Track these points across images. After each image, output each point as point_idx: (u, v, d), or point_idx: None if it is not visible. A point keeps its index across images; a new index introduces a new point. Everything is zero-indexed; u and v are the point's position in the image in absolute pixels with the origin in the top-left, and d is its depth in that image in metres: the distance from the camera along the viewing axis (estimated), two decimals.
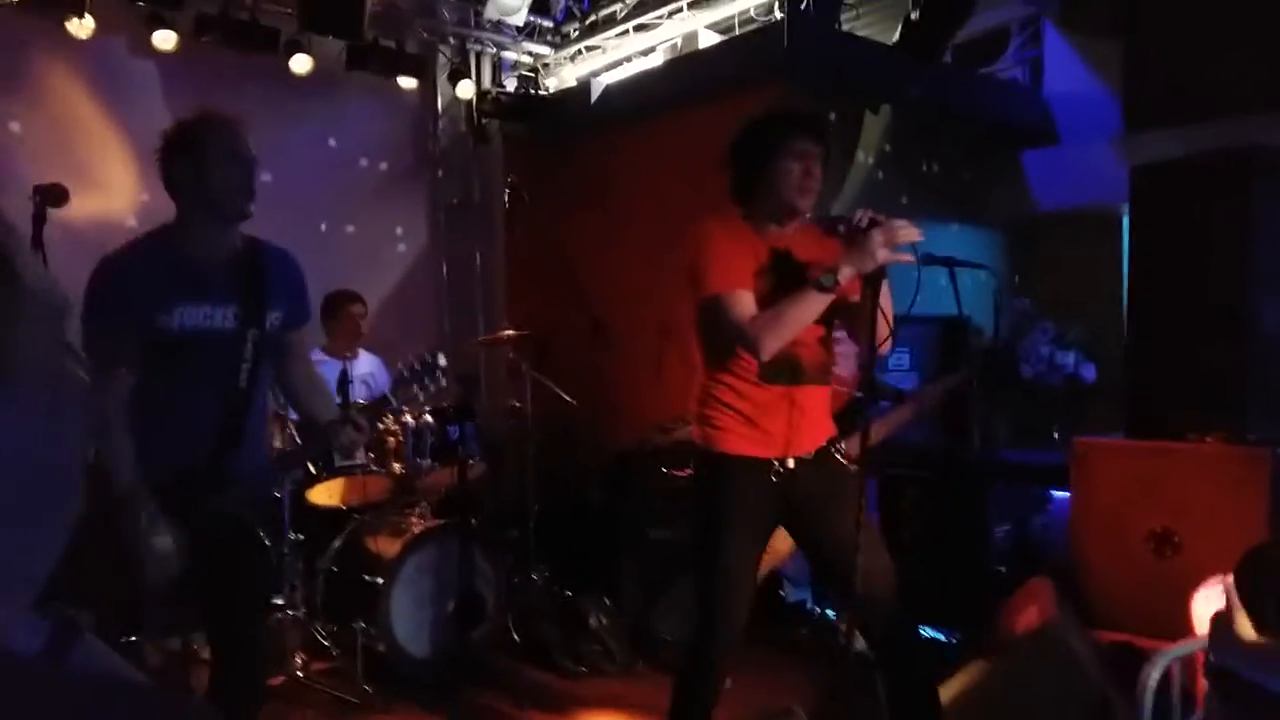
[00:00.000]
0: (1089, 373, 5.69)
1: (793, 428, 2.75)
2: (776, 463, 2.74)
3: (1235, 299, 3.48)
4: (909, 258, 2.54)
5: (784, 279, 2.70)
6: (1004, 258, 6.34)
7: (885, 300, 2.65)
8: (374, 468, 4.59)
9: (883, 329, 2.66)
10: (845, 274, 2.55)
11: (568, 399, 4.99)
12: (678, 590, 4.42)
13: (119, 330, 2.42)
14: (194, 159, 2.47)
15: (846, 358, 4.13)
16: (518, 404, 5.06)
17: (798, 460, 2.76)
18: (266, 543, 2.81)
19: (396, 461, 4.55)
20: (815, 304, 2.59)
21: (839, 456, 2.86)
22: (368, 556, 4.26)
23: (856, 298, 2.70)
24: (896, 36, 5.34)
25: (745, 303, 2.64)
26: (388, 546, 4.24)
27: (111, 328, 2.41)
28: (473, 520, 4.40)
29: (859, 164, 5.84)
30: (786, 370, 2.73)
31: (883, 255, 2.52)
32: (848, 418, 3.94)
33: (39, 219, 2.68)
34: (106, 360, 2.40)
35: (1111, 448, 3.75)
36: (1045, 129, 6.40)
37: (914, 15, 5.08)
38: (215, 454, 2.51)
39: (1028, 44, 6.88)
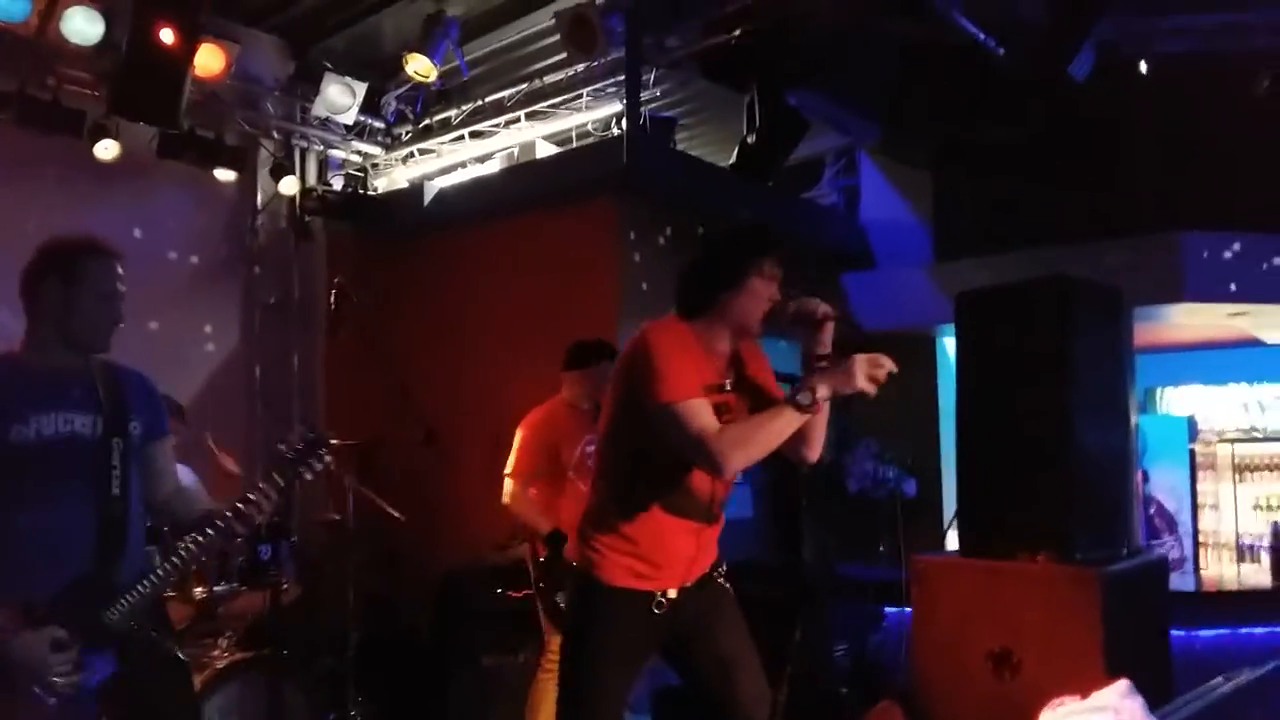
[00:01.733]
0: (910, 488, 5.90)
1: (690, 562, 2.64)
2: (659, 594, 2.60)
3: (1057, 423, 3.64)
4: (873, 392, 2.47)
5: (734, 394, 2.64)
6: None
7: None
8: (169, 591, 4.11)
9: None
10: (822, 393, 2.45)
11: (394, 514, 4.68)
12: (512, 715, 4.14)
13: None
14: (66, 288, 2.42)
15: None
16: (337, 517, 4.70)
17: (681, 590, 2.63)
18: (181, 657, 2.63)
19: (198, 585, 4.09)
20: (792, 423, 2.45)
21: (720, 579, 2.78)
22: None
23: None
24: (732, 159, 5.51)
25: (705, 414, 2.45)
26: None
27: None
28: (284, 651, 4.00)
29: None
30: (703, 508, 2.63)
31: (863, 385, 2.45)
32: None
33: None
34: None
35: (948, 565, 3.83)
36: (862, 253, 6.74)
37: (750, 139, 5.26)
38: (100, 564, 2.38)
39: (842, 172, 7.28)
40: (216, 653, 3.99)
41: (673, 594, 2.61)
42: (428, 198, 6.27)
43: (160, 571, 2.42)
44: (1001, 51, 4.90)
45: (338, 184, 6.66)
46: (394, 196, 6.65)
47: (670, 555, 2.60)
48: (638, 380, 2.51)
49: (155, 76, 5.03)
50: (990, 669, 3.52)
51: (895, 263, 6.51)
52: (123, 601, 2.36)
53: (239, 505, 2.45)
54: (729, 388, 2.66)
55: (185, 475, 4.51)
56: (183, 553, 2.44)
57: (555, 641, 3.66)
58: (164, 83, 5.07)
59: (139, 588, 2.38)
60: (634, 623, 2.60)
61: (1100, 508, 3.66)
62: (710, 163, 6.19)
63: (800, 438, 2.62)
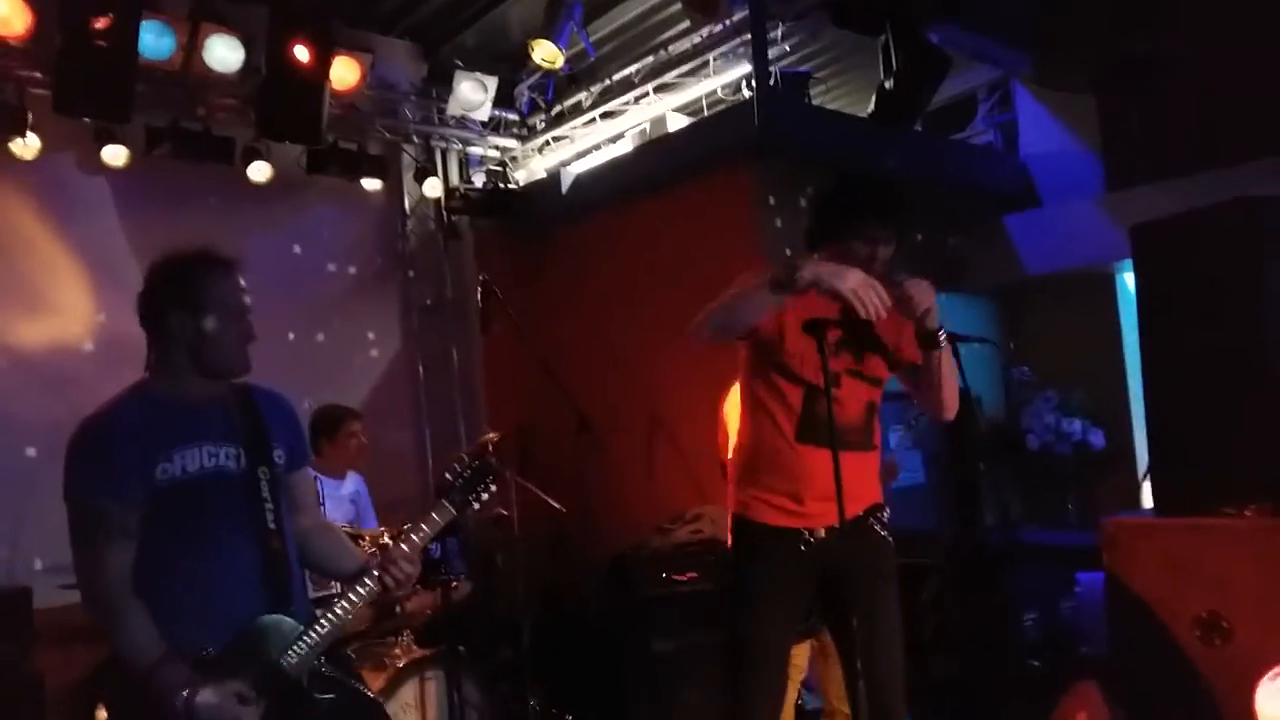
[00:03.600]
0: (1097, 439, 5.47)
1: (827, 497, 2.56)
2: (806, 533, 2.69)
3: (1258, 359, 3.27)
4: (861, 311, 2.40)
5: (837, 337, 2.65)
6: (996, 325, 6.16)
7: (948, 366, 2.62)
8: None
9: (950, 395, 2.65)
10: (805, 275, 2.42)
11: (555, 505, 4.69)
12: (689, 706, 4.09)
13: (110, 497, 2.14)
14: (189, 312, 2.23)
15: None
16: (504, 513, 4.75)
17: (829, 529, 2.67)
18: (371, 696, 2.51)
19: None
20: (766, 298, 2.51)
21: (878, 528, 2.77)
22: None
23: (915, 359, 2.67)
24: (871, 108, 5.22)
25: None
26: (371, 681, 3.89)
27: (100, 496, 2.14)
28: (460, 647, 4.07)
29: None
30: (821, 432, 2.61)
31: (850, 289, 2.38)
32: None
33: None
34: (97, 536, 2.14)
35: (1143, 527, 3.50)
36: (1025, 192, 6.30)
37: (888, 85, 4.96)
38: (269, 607, 2.23)
39: (996, 108, 6.82)
40: (397, 651, 4.11)
41: (821, 534, 2.68)
42: (565, 185, 6.25)
43: (329, 619, 2.27)
44: None
45: (479, 180, 6.74)
46: (533, 187, 6.67)
47: (812, 488, 2.65)
48: None
49: (295, 95, 5.21)
50: (1197, 637, 3.20)
51: (1062, 198, 6.05)
52: (300, 645, 2.22)
53: (385, 568, 2.32)
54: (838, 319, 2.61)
55: (356, 484, 4.69)
56: (352, 598, 2.29)
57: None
58: (304, 101, 5.24)
59: (314, 633, 2.23)
60: (785, 561, 2.68)
61: None
62: (849, 114, 5.91)
63: (923, 386, 2.67)
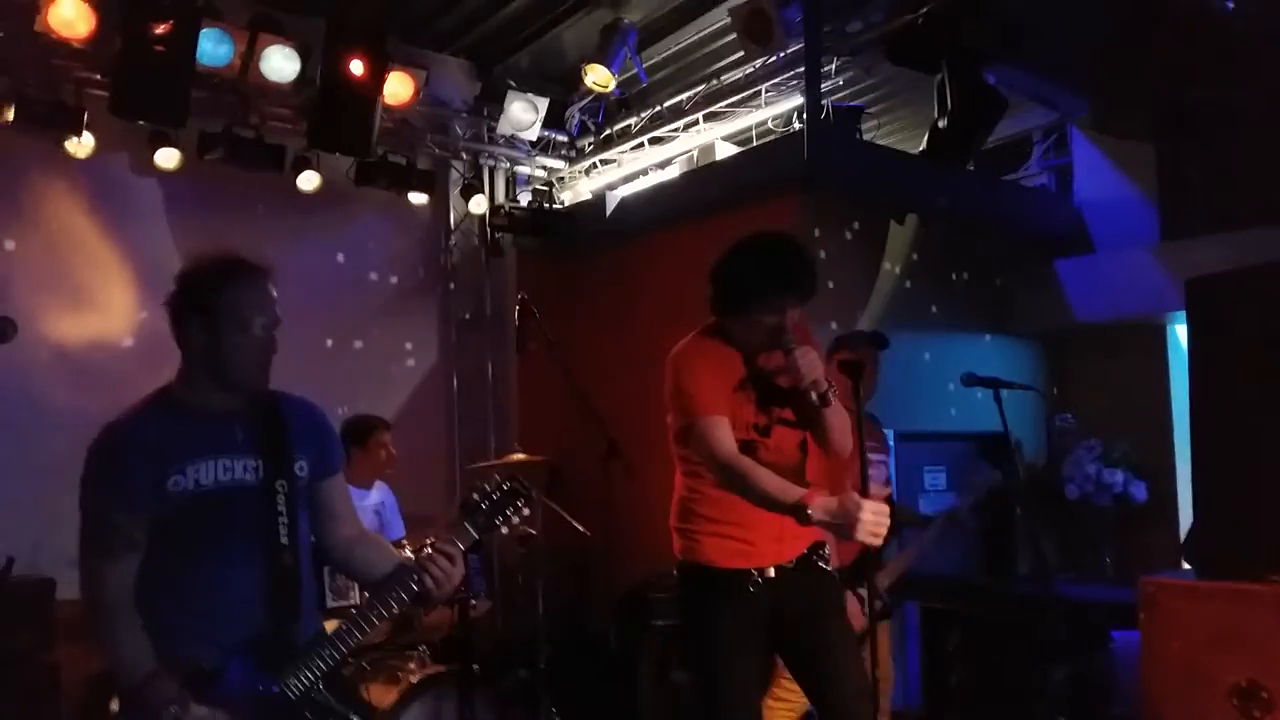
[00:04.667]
0: (1139, 492, 5.32)
1: (775, 538, 2.73)
2: (755, 573, 2.73)
3: None
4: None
5: (763, 394, 2.78)
6: (1040, 370, 6.04)
7: (838, 416, 2.72)
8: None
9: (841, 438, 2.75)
10: (816, 516, 2.46)
11: (580, 529, 4.65)
12: None
13: (119, 511, 2.13)
14: (209, 321, 2.17)
15: (879, 483, 3.82)
16: (531, 533, 4.72)
17: (779, 569, 2.75)
18: None
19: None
20: (776, 508, 2.57)
21: (822, 564, 2.83)
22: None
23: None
24: (923, 144, 5.16)
25: (723, 430, 2.68)
26: (383, 695, 3.87)
27: (109, 508, 2.13)
28: (476, 666, 4.02)
29: (886, 273, 5.61)
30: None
31: (864, 536, 2.41)
32: (861, 561, 3.61)
33: None
34: (102, 547, 2.14)
35: (1185, 589, 3.38)
36: (1078, 236, 6.17)
37: (942, 123, 4.90)
38: (273, 623, 2.17)
39: (1051, 151, 6.72)
40: (412, 665, 4.07)
41: (771, 573, 2.73)
42: (610, 208, 6.24)
43: (343, 643, 2.21)
44: (1231, 4, 4.34)
45: (525, 200, 6.76)
46: (578, 209, 6.67)
47: (759, 530, 2.70)
48: (673, 397, 2.84)
49: (348, 108, 5.26)
50: (1235, 707, 3.07)
51: (1116, 245, 5.92)
52: (304, 673, 2.15)
53: (426, 564, 2.25)
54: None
55: (383, 494, 4.68)
56: (369, 621, 2.23)
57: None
58: (357, 113, 5.29)
59: (321, 659, 2.18)
60: (738, 601, 2.72)
61: None
62: (900, 150, 5.85)
63: (816, 432, 2.77)
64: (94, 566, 2.14)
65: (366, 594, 2.62)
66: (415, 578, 2.25)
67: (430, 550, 2.28)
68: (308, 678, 2.16)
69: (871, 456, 3.85)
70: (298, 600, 2.22)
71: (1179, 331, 5.57)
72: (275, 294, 2.27)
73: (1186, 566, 3.62)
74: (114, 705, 4.07)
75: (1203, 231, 5.21)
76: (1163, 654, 3.33)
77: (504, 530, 2.38)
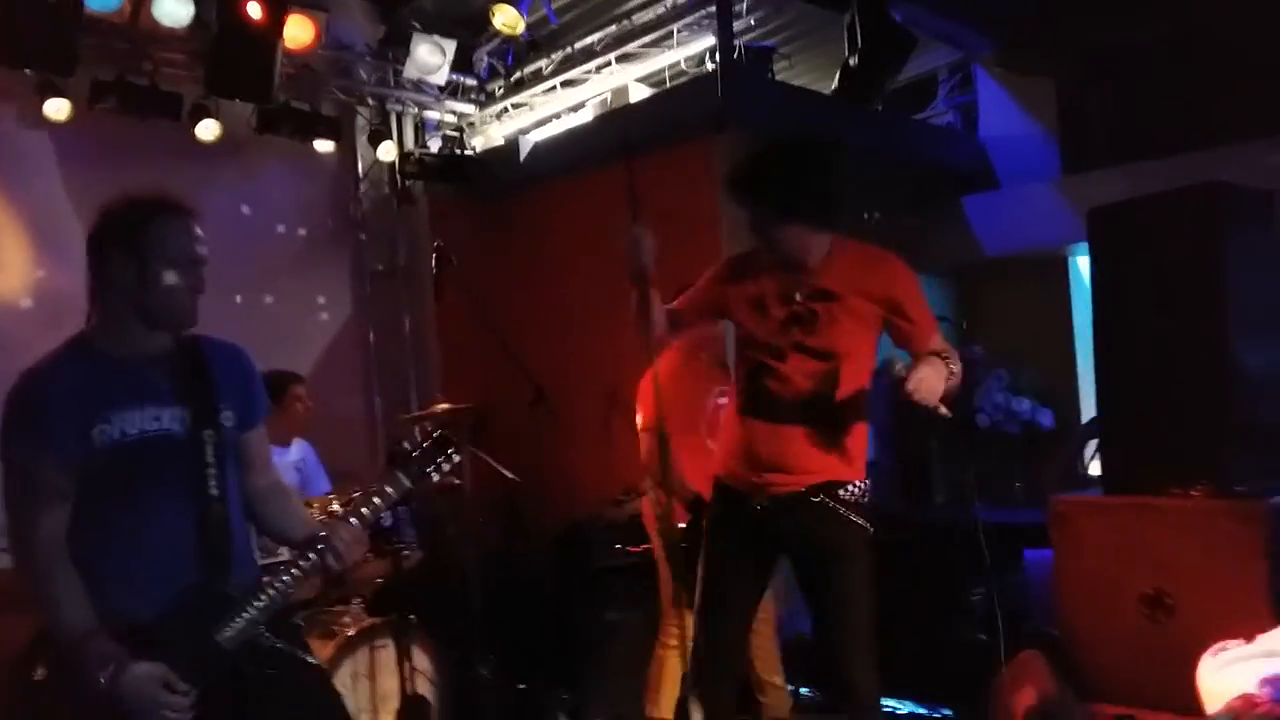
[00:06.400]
0: (1046, 419, 5.56)
1: (772, 467, 2.72)
2: (755, 496, 2.75)
3: (1210, 343, 3.32)
4: None
5: (792, 317, 2.72)
6: (951, 304, 6.21)
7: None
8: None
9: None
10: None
11: (509, 475, 4.65)
12: (641, 677, 4.08)
13: (43, 460, 2.05)
14: (135, 258, 2.09)
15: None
16: (457, 481, 4.70)
17: (771, 500, 2.73)
18: (312, 661, 2.37)
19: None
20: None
21: (834, 504, 2.73)
22: None
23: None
24: (834, 84, 5.22)
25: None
26: (320, 649, 3.82)
27: (34, 457, 2.05)
28: (411, 615, 4.03)
29: None
30: (760, 405, 2.74)
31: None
32: None
33: None
34: (30, 498, 2.06)
35: (1092, 505, 3.56)
36: (984, 173, 6.34)
37: (852, 62, 4.95)
38: (205, 576, 2.12)
39: (957, 89, 6.85)
40: (347, 619, 4.05)
41: (765, 502, 2.73)
42: (523, 153, 6.17)
43: (271, 592, 2.17)
44: None
45: (435, 146, 6.62)
46: (491, 154, 6.57)
47: (754, 459, 2.74)
48: None
49: (247, 53, 5.07)
50: (1143, 613, 3.28)
51: (1020, 180, 6.11)
52: (236, 620, 2.12)
53: (360, 510, 2.26)
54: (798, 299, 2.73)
55: (303, 450, 4.60)
56: (294, 572, 2.20)
57: (675, 616, 3.57)
58: (256, 58, 5.10)
59: (253, 606, 2.14)
60: (737, 518, 2.79)
61: (1263, 433, 3.33)
62: (813, 90, 5.89)
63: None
64: (22, 519, 2.06)
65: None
66: (317, 550, 2.24)
67: (335, 527, 2.27)
68: (243, 626, 2.12)
69: (724, 400, 3.88)
70: (229, 551, 2.18)
71: (1080, 263, 5.79)
72: (201, 233, 2.19)
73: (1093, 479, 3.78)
74: (39, 673, 3.99)
75: (1102, 164, 5.40)
76: (1074, 568, 3.52)
77: (434, 479, 2.37)
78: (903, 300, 2.73)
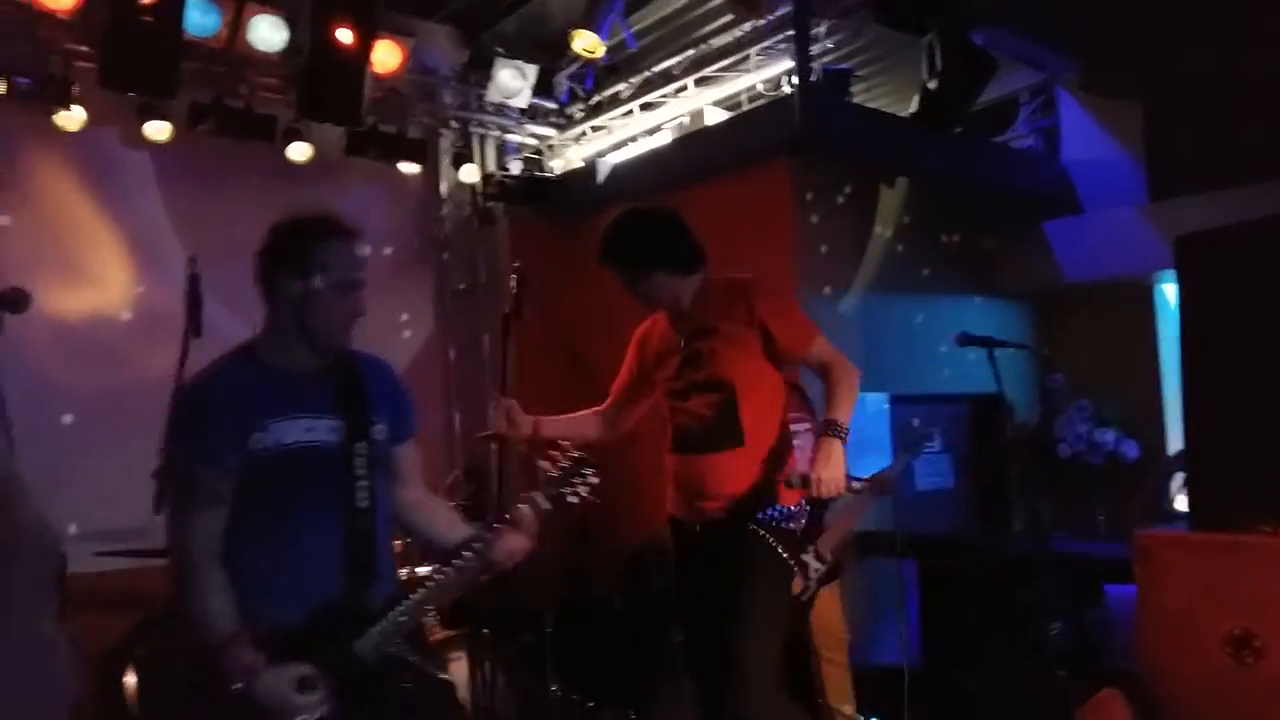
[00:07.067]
0: (1130, 450, 5.41)
1: (695, 494, 2.95)
2: (686, 522, 3.01)
3: None
4: None
5: (684, 359, 3.01)
6: (1031, 330, 6.10)
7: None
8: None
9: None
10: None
11: (588, 496, 4.68)
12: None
13: (203, 464, 2.14)
14: (299, 277, 2.18)
15: (804, 450, 3.84)
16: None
17: (707, 523, 2.92)
18: (444, 678, 2.42)
19: (401, 567, 4.23)
20: None
21: (756, 525, 2.89)
22: None
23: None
24: (913, 107, 5.18)
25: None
26: None
27: (195, 461, 2.15)
28: (485, 630, 4.09)
29: (877, 237, 5.65)
30: (679, 441, 3.03)
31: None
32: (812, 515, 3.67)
33: None
34: (188, 500, 2.14)
35: (1178, 540, 3.47)
36: (1066, 197, 6.23)
37: (931, 85, 4.91)
38: (349, 587, 2.17)
39: (1039, 112, 6.75)
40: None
41: (697, 528, 2.95)
42: (601, 175, 6.25)
43: (415, 598, 2.22)
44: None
45: (515, 168, 6.75)
46: (569, 176, 6.67)
47: (687, 490, 2.98)
48: None
49: (337, 77, 5.23)
50: (1229, 654, 3.16)
51: (1104, 205, 5.98)
52: (375, 631, 2.15)
53: (497, 537, 2.28)
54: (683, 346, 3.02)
55: None
56: (440, 578, 2.24)
57: None
58: (345, 82, 5.26)
59: (392, 617, 2.17)
60: (682, 546, 3.05)
61: None
62: (890, 114, 5.86)
63: None
64: (179, 520, 2.14)
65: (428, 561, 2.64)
66: (485, 548, 2.28)
67: (499, 524, 2.31)
68: (382, 639, 2.16)
69: (798, 427, 3.88)
70: (373, 563, 2.22)
71: (1166, 290, 5.64)
72: (364, 256, 2.30)
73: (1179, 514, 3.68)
74: (129, 679, 4.14)
75: (1189, 191, 5.26)
76: (1157, 605, 3.41)
77: (572, 500, 2.36)
78: (767, 319, 2.92)
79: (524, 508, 2.33)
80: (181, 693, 2.21)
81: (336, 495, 2.20)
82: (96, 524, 4.68)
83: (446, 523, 2.47)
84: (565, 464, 2.36)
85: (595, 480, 2.37)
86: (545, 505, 2.34)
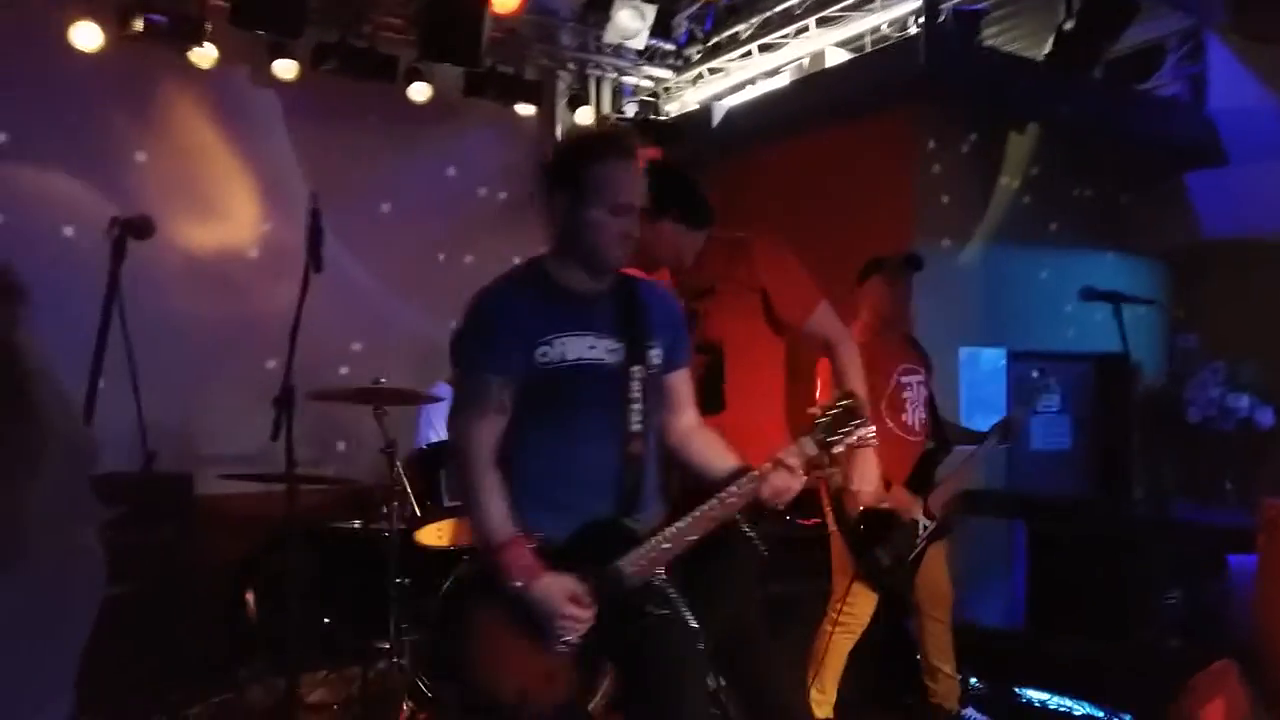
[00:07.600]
0: (1265, 417, 5.13)
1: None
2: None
3: None
4: None
5: None
6: (1165, 289, 5.81)
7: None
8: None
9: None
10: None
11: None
12: (803, 650, 4.08)
13: (491, 371, 2.16)
14: (572, 196, 2.17)
15: (916, 404, 3.74)
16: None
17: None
18: (692, 624, 2.25)
19: None
20: None
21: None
22: None
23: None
24: (1046, 50, 4.94)
25: None
26: None
27: (481, 368, 2.17)
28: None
29: (1002, 188, 5.43)
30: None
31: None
32: (922, 470, 3.59)
33: (118, 253, 2.51)
34: (472, 405, 2.18)
35: None
36: (1211, 149, 5.87)
37: (1067, 26, 4.67)
38: (618, 507, 2.16)
39: (1186, 59, 6.34)
40: None
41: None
42: (716, 118, 6.16)
43: (680, 525, 2.15)
44: None
45: (631, 110, 6.71)
46: (684, 119, 6.60)
47: None
48: None
49: (457, 17, 5.29)
50: None
51: (1252, 158, 5.61)
52: (639, 553, 2.12)
53: (768, 473, 2.18)
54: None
55: None
56: (706, 509, 2.15)
57: (848, 592, 3.58)
58: (465, 23, 5.31)
59: (655, 542, 2.13)
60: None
61: None
62: (1023, 57, 5.60)
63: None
64: (465, 425, 2.18)
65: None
66: (754, 484, 2.20)
67: (772, 461, 2.22)
68: (641, 561, 2.12)
69: (908, 379, 3.77)
70: (642, 486, 2.20)
71: None
72: (644, 181, 2.22)
73: None
74: (249, 596, 4.35)
75: None
76: (1279, 577, 3.25)
77: (840, 448, 2.26)
78: (765, 281, 2.77)
79: (792, 450, 2.23)
80: (463, 590, 2.19)
81: (612, 416, 2.18)
82: (223, 448, 4.93)
83: (718, 455, 2.35)
84: (836, 409, 2.25)
85: (865, 430, 2.24)
86: (811, 451, 2.24)
